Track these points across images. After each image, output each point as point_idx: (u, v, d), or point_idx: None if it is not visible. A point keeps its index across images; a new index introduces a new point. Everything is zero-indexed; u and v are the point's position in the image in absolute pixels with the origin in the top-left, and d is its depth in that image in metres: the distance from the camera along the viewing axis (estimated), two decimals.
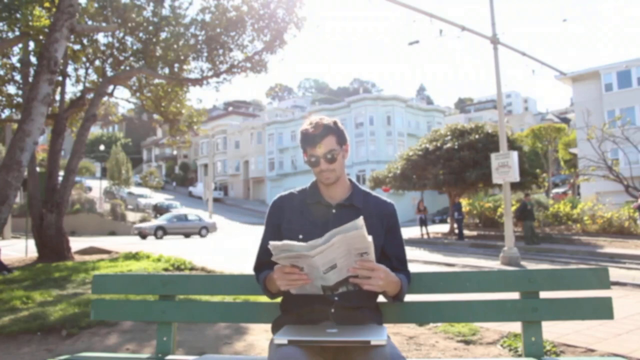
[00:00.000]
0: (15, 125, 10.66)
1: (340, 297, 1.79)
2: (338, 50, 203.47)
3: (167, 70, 12.70)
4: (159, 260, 9.19)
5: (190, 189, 56.02)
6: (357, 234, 1.56)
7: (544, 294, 2.04)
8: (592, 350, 3.47)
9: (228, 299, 4.43)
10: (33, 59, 11.15)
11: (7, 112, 13.12)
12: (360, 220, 1.55)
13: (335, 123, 1.90)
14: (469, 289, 2.07)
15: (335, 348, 1.62)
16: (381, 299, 1.94)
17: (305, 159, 1.93)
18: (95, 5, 11.96)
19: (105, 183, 41.69)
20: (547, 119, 69.51)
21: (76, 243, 13.60)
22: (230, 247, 15.44)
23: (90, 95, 12.05)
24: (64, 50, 8.26)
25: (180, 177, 65.87)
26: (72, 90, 32.26)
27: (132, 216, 32.83)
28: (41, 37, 9.24)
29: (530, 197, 17.76)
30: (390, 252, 1.94)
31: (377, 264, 1.66)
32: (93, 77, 13.52)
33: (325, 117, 1.91)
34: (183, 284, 2.27)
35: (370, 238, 1.59)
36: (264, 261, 1.94)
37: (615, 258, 12.68)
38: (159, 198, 43.50)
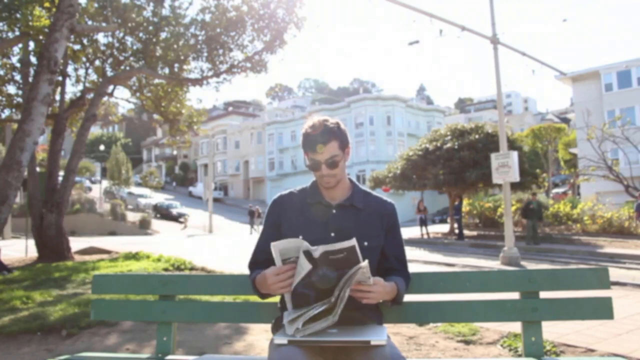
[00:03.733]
0: (15, 125, 10.66)
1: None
2: (338, 50, 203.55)
3: (167, 70, 12.69)
4: (159, 260, 9.19)
5: (190, 189, 56.00)
6: (360, 272, 1.62)
7: (544, 294, 2.04)
8: (592, 350, 3.47)
9: (228, 299, 4.43)
10: (33, 59, 11.14)
11: (7, 112, 13.12)
12: (365, 264, 1.61)
13: (338, 126, 1.88)
14: (469, 289, 2.07)
15: (335, 348, 1.62)
16: None
17: (306, 161, 1.91)
18: (95, 5, 11.95)
19: (105, 183, 41.67)
20: (547, 119, 69.50)
21: (76, 243, 13.60)
22: (230, 247, 15.44)
23: (90, 95, 12.05)
24: (64, 50, 8.26)
25: (180, 177, 65.87)
26: (72, 90, 32.23)
27: (132, 216, 32.82)
28: (41, 37, 9.24)
29: (536, 196, 17.74)
30: (390, 252, 1.95)
31: (372, 279, 1.69)
32: (93, 77, 13.52)
33: (329, 119, 1.88)
34: (183, 284, 2.27)
35: (370, 277, 1.67)
36: (260, 260, 1.95)
37: (615, 258, 12.67)
38: (159, 198, 43.48)
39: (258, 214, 29.60)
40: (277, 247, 1.65)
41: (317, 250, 1.62)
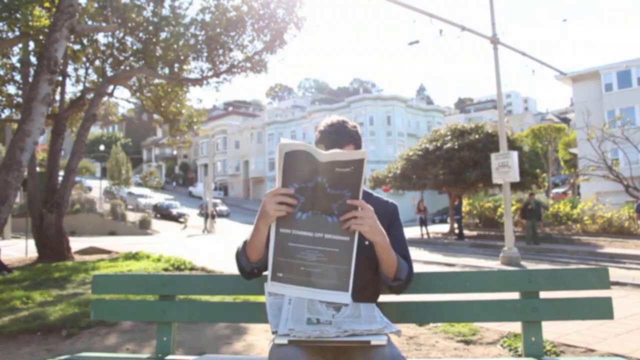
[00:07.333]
0: (15, 125, 10.65)
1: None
2: (338, 50, 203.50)
3: (167, 70, 12.69)
4: (159, 260, 9.20)
5: (190, 189, 56.03)
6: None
7: (544, 294, 2.04)
8: (592, 350, 3.47)
9: (228, 299, 4.43)
10: (33, 59, 11.14)
11: (7, 112, 13.12)
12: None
13: (356, 129, 1.89)
14: (469, 289, 2.07)
15: (335, 348, 1.62)
16: (382, 299, 1.94)
17: None
18: (95, 5, 11.95)
19: (105, 183, 41.68)
20: (547, 119, 69.44)
21: (76, 243, 13.60)
22: (229, 247, 15.44)
23: (90, 95, 12.05)
24: (64, 50, 8.26)
25: (180, 177, 65.87)
26: (72, 90, 32.29)
27: (132, 216, 32.82)
28: (41, 37, 9.24)
29: (534, 196, 17.76)
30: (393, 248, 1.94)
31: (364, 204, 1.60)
32: (93, 77, 13.53)
33: (348, 121, 1.89)
34: (183, 284, 2.27)
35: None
36: None
37: (615, 258, 12.67)
38: (159, 198, 43.48)
39: (213, 216, 29.93)
40: (283, 147, 1.49)
41: (324, 156, 1.49)
